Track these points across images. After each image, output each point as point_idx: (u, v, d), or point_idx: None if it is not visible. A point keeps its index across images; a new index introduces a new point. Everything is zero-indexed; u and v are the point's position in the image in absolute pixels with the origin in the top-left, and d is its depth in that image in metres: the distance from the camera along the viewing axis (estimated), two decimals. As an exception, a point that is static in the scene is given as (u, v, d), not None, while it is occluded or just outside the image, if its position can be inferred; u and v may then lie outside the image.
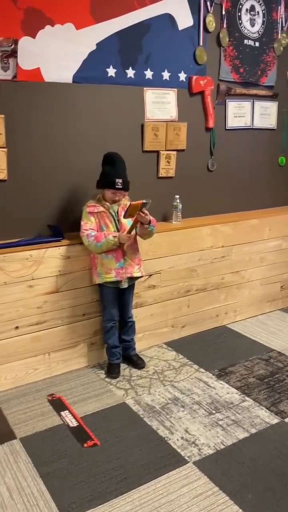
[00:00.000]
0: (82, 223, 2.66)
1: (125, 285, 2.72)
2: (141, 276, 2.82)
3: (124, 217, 2.58)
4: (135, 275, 2.74)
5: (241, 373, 2.82)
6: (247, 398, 2.54)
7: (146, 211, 2.54)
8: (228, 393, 2.61)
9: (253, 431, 2.26)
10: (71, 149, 2.87)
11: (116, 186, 2.56)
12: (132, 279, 2.77)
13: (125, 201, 2.71)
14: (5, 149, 2.62)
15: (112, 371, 2.82)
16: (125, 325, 2.89)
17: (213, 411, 2.43)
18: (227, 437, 2.22)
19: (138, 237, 2.76)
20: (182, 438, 2.22)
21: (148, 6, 2.98)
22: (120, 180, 2.56)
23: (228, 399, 2.54)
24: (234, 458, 2.07)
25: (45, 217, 2.85)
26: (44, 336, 2.75)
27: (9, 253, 2.56)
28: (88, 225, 2.65)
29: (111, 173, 2.57)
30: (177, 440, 2.21)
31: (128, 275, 2.70)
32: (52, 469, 2.02)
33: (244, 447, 2.14)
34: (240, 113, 3.63)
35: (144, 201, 2.48)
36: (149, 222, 2.61)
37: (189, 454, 2.10)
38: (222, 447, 2.15)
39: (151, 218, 2.63)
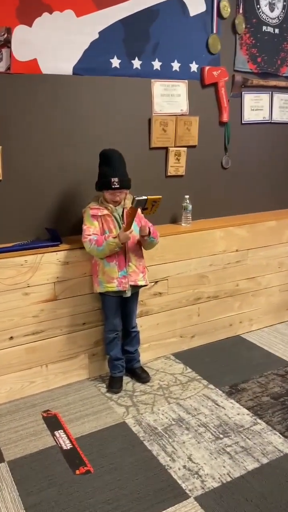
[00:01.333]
0: (84, 227, 2.46)
1: (128, 294, 2.51)
2: (146, 285, 2.60)
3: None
4: (140, 283, 2.53)
5: (254, 390, 2.58)
6: (259, 421, 2.30)
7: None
8: (238, 414, 2.37)
9: (265, 461, 2.02)
10: (71, 146, 2.67)
11: (113, 186, 2.35)
12: (135, 287, 2.55)
13: (129, 203, 2.49)
14: (-1, 147, 2.45)
15: (113, 385, 2.62)
16: (129, 336, 2.69)
17: (221, 435, 2.20)
18: (235, 468, 1.98)
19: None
20: (184, 467, 2.00)
21: (156, -9, 2.75)
22: (116, 179, 2.34)
23: (238, 421, 2.31)
24: (241, 494, 1.84)
25: (42, 220, 2.66)
26: (41, 347, 2.57)
27: (2, 258, 2.39)
28: (91, 230, 2.44)
29: (106, 173, 2.36)
30: (179, 469, 1.99)
31: (132, 283, 2.49)
32: (39, 500, 1.83)
33: (254, 481, 1.91)
34: (258, 106, 3.37)
35: (134, 202, 2.29)
36: (149, 233, 2.39)
37: (191, 487, 1.88)
38: (229, 479, 1.92)
39: (152, 229, 2.42)
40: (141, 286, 2.58)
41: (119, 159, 2.39)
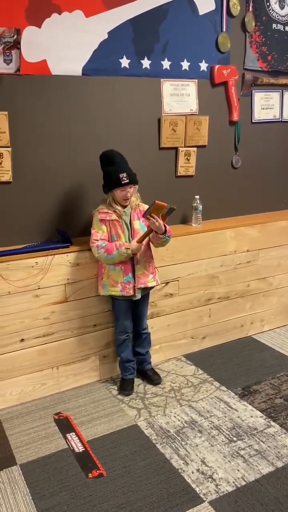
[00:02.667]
0: (92, 231, 2.44)
1: (138, 296, 2.49)
2: (157, 285, 2.58)
3: (144, 215, 2.33)
4: (150, 285, 2.51)
5: (267, 392, 2.55)
6: (273, 423, 2.27)
7: (156, 217, 2.28)
8: (251, 416, 2.34)
9: (279, 464, 1.99)
10: (81, 147, 2.65)
11: (123, 182, 2.33)
12: (146, 289, 2.54)
13: (137, 201, 2.48)
14: (9, 149, 2.43)
15: (125, 388, 2.61)
16: (140, 337, 2.67)
17: (234, 438, 2.18)
18: (249, 471, 1.96)
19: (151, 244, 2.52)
20: (198, 470, 1.98)
21: (165, -10, 2.73)
22: (125, 174, 2.32)
23: (252, 424, 2.28)
24: (256, 498, 1.81)
25: (53, 221, 2.65)
26: (52, 349, 2.56)
27: (13, 260, 2.38)
28: (99, 235, 2.42)
29: (113, 171, 2.34)
30: (192, 472, 1.97)
31: (142, 286, 2.47)
32: (51, 504, 1.82)
33: (269, 485, 1.88)
34: (268, 105, 3.33)
35: (170, 206, 2.25)
36: (165, 232, 2.36)
37: (205, 491, 1.86)
38: (243, 483, 1.89)
39: (168, 227, 2.38)
40: (152, 287, 2.56)
41: (121, 157, 2.38)
